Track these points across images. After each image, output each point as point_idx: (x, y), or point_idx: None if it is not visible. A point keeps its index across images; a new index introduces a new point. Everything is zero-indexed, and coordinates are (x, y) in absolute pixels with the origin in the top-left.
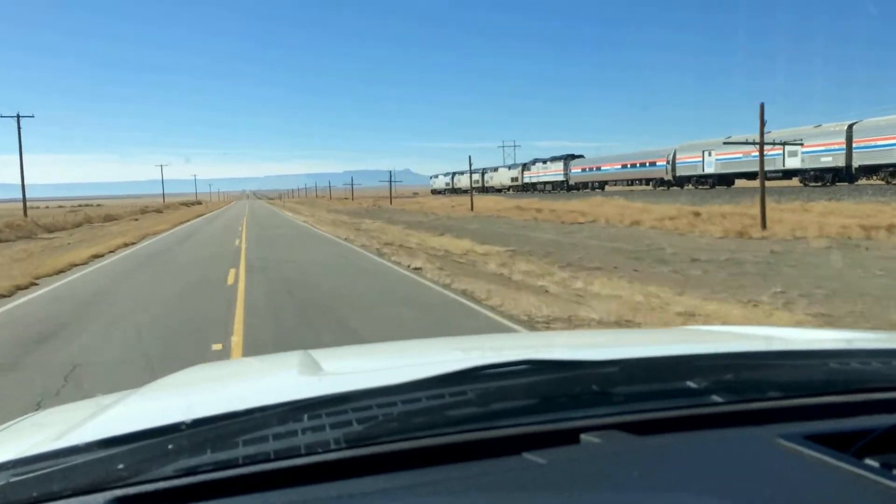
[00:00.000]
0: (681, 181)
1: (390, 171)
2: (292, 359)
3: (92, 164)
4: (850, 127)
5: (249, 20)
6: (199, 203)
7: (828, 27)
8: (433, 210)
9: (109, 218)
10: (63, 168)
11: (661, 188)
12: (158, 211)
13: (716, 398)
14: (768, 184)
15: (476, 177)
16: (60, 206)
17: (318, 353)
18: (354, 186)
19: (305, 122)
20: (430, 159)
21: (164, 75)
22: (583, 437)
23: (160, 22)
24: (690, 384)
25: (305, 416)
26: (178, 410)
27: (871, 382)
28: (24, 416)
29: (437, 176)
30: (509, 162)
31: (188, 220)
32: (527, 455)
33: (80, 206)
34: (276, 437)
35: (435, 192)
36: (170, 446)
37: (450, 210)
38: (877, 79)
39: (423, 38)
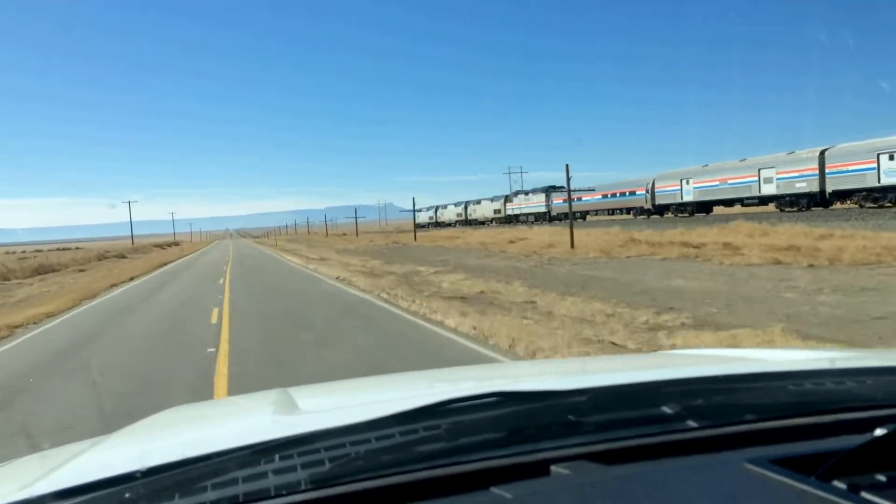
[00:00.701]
0: (660, 209)
1: (412, 200)
2: (269, 397)
3: (77, 206)
4: (823, 153)
5: (225, 58)
6: (177, 244)
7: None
8: (491, 246)
9: (43, 270)
10: (47, 212)
11: (642, 217)
12: (122, 256)
13: (689, 423)
14: (746, 210)
15: (459, 209)
16: (38, 250)
17: (295, 391)
18: (336, 222)
19: (286, 160)
20: (413, 193)
21: (145, 118)
22: (553, 468)
23: (139, 63)
24: (661, 410)
25: (277, 457)
26: (149, 455)
27: (844, 402)
28: None
29: (419, 210)
30: (493, 194)
31: (149, 272)
32: (495, 489)
33: (59, 248)
34: (246, 479)
35: (419, 226)
36: (126, 495)
37: (522, 245)
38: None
39: (403, 74)
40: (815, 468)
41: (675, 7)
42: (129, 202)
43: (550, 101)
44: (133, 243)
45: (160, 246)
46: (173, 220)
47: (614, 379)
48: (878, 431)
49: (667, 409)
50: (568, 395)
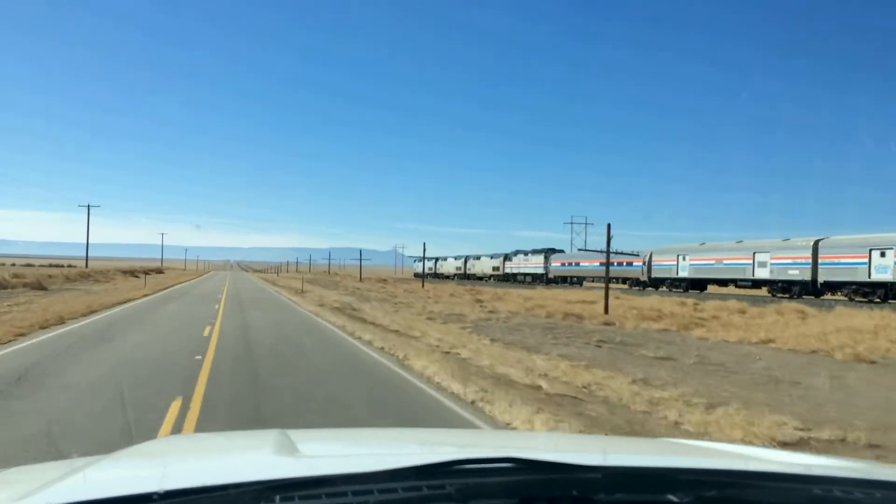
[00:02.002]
0: (656, 283)
1: (423, 247)
2: (269, 437)
3: (81, 224)
4: (817, 243)
5: (230, 95)
6: (161, 272)
7: (817, 150)
8: (555, 313)
9: None
10: (50, 226)
11: (637, 288)
12: (41, 287)
13: None
14: (738, 291)
15: (459, 263)
16: (28, 265)
17: (294, 434)
18: (337, 263)
19: (292, 196)
20: (416, 241)
21: (149, 145)
22: None
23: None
24: (672, 498)
25: (278, 497)
26: (150, 479)
27: None
28: None
29: (420, 259)
30: (493, 251)
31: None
32: None
33: (50, 265)
34: None
35: (417, 276)
36: None
37: (585, 309)
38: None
39: (416, 126)
40: None
41: (683, 84)
42: (87, 208)
43: (554, 165)
44: (87, 265)
45: (134, 273)
46: (162, 244)
47: (628, 460)
48: None
49: (678, 498)
50: (582, 471)
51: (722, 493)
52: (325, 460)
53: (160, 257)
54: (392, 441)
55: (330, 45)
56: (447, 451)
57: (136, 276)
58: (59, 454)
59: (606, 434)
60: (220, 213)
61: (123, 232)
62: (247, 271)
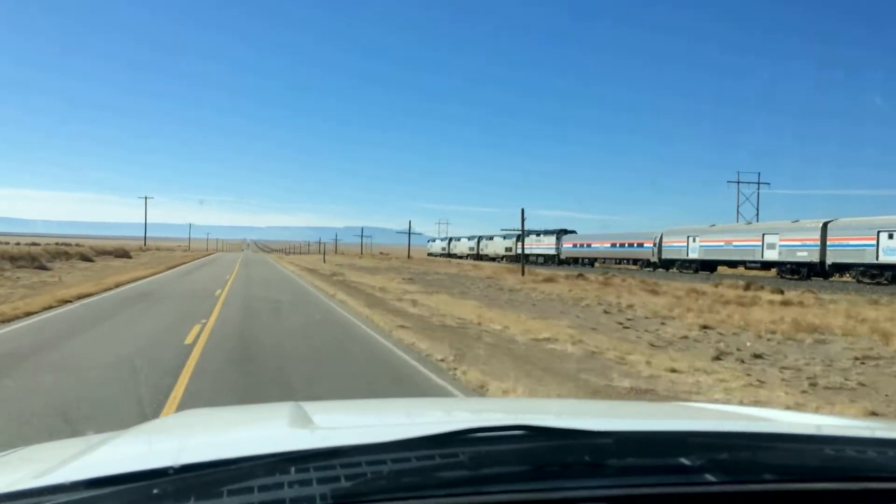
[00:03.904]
0: (666, 264)
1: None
2: (283, 410)
3: (99, 203)
4: (825, 225)
5: (252, 74)
6: (127, 255)
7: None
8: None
9: None
10: (69, 206)
11: (648, 269)
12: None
13: (709, 477)
14: (747, 273)
15: (472, 243)
16: (34, 243)
17: (309, 406)
18: (346, 243)
19: (310, 175)
20: (432, 220)
21: (172, 126)
22: None
23: (160, 69)
24: (684, 461)
25: (293, 469)
26: (166, 454)
27: (866, 471)
28: (12, 450)
29: (434, 240)
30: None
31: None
32: None
33: (57, 243)
34: (262, 488)
35: (431, 255)
36: (154, 491)
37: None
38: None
39: (433, 106)
40: None
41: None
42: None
43: (569, 144)
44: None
45: (120, 253)
46: (145, 217)
47: (640, 425)
48: None
49: (690, 461)
50: (593, 437)
51: (734, 456)
52: (339, 431)
53: (173, 236)
54: (404, 411)
55: (348, 28)
56: (459, 420)
57: (91, 260)
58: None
59: (617, 399)
60: (238, 193)
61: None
62: (266, 252)
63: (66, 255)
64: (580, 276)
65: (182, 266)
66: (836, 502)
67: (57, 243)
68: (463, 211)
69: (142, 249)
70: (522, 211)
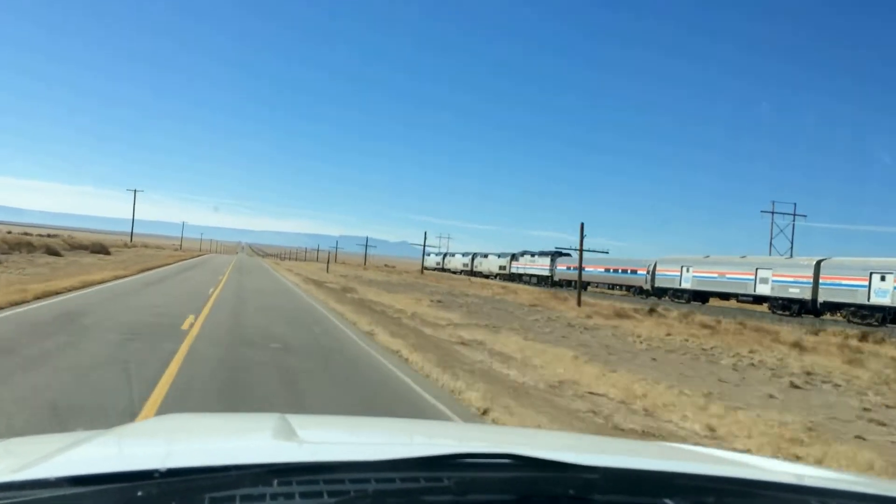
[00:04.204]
0: (659, 292)
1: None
2: (268, 421)
3: (97, 198)
4: (819, 263)
5: (245, 79)
6: (107, 251)
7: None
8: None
9: None
10: (67, 198)
11: (640, 297)
12: None
13: None
14: (738, 305)
15: (466, 260)
16: (25, 233)
17: (294, 419)
18: (343, 251)
19: (307, 182)
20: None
21: (169, 115)
22: None
23: (161, 66)
24: (669, 502)
25: (276, 481)
26: (152, 457)
27: None
28: None
29: (429, 254)
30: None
31: None
32: None
33: (48, 234)
34: (244, 498)
35: (426, 269)
36: (139, 493)
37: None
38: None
39: (432, 118)
40: None
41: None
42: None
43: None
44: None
45: (95, 248)
46: (134, 209)
47: (627, 462)
48: None
49: (675, 502)
50: (580, 470)
51: (720, 501)
52: (324, 447)
53: (175, 235)
54: (392, 431)
55: (351, 31)
56: (447, 444)
57: (59, 255)
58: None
59: (605, 434)
60: (234, 196)
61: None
62: (260, 256)
63: (29, 247)
64: (652, 310)
65: (161, 268)
66: None
67: (48, 234)
68: (460, 227)
69: (126, 246)
70: (582, 227)
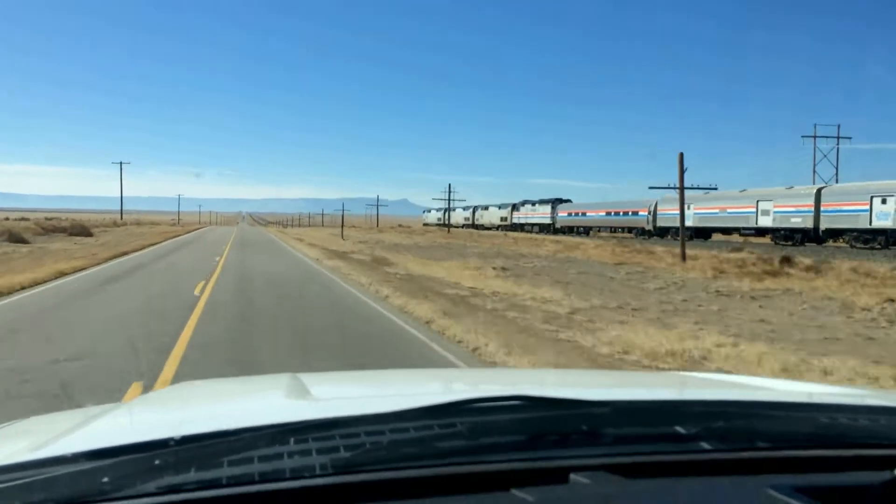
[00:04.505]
0: (661, 232)
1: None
2: (280, 381)
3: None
4: (819, 190)
5: (249, 36)
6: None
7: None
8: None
9: None
10: (63, 180)
11: (643, 237)
12: None
13: (705, 445)
14: (741, 239)
15: (467, 214)
16: (23, 218)
17: (306, 377)
18: (348, 214)
19: (304, 147)
20: (425, 190)
21: (162, 87)
22: (572, 476)
23: (160, 31)
24: (680, 429)
25: (292, 440)
26: (167, 425)
27: (858, 439)
28: (10, 422)
29: (429, 210)
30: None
31: None
32: (515, 492)
33: (45, 217)
34: (262, 458)
35: (427, 225)
36: (156, 462)
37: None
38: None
39: (426, 72)
40: (836, 500)
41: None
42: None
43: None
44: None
45: (54, 224)
46: (121, 182)
47: (636, 394)
48: None
49: (686, 429)
50: (590, 406)
51: (729, 424)
52: (337, 402)
53: (174, 210)
54: (402, 383)
55: (341, 4)
56: (457, 391)
57: (25, 241)
58: None
59: (616, 369)
60: (232, 165)
61: (138, 185)
62: (262, 224)
63: None
64: (786, 260)
65: (143, 251)
66: (829, 468)
67: (46, 218)
68: (458, 180)
69: (116, 224)
70: (681, 157)
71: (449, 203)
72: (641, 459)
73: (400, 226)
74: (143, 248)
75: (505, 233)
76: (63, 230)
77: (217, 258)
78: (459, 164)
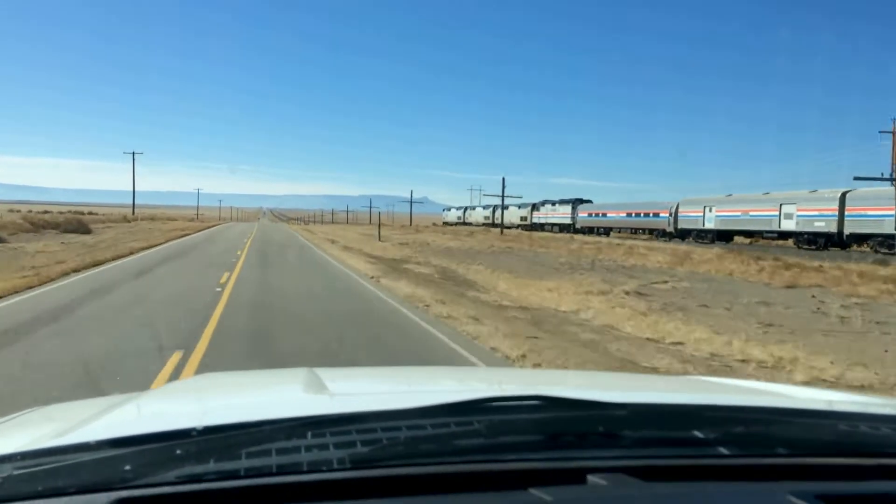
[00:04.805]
0: (682, 234)
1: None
2: (298, 375)
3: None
4: (844, 195)
5: (270, 35)
6: (86, 229)
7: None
8: None
9: None
10: (88, 174)
11: (664, 239)
12: None
13: (723, 450)
14: (763, 242)
15: (487, 213)
16: (30, 210)
17: (323, 373)
18: (373, 210)
19: (325, 143)
20: (446, 188)
21: (184, 82)
22: (589, 477)
23: (174, 24)
24: (698, 434)
25: (309, 434)
26: (188, 416)
27: (879, 447)
28: (34, 409)
29: (449, 209)
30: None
31: None
32: (533, 491)
33: (44, 211)
34: (280, 451)
35: (447, 223)
36: (177, 451)
37: None
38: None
39: (449, 68)
40: None
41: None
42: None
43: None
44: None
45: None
46: (133, 173)
47: (655, 397)
48: None
49: (705, 434)
50: (609, 408)
51: (748, 430)
52: (355, 398)
53: (185, 204)
54: (420, 380)
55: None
56: (476, 389)
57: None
58: None
59: (633, 371)
60: (253, 161)
61: (159, 179)
62: (283, 221)
63: None
64: None
65: (138, 255)
66: (849, 477)
67: (71, 211)
68: (480, 179)
69: (126, 219)
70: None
71: (503, 200)
72: (660, 462)
73: (434, 224)
74: (145, 248)
75: (530, 233)
76: (56, 226)
77: (225, 276)
78: (481, 164)
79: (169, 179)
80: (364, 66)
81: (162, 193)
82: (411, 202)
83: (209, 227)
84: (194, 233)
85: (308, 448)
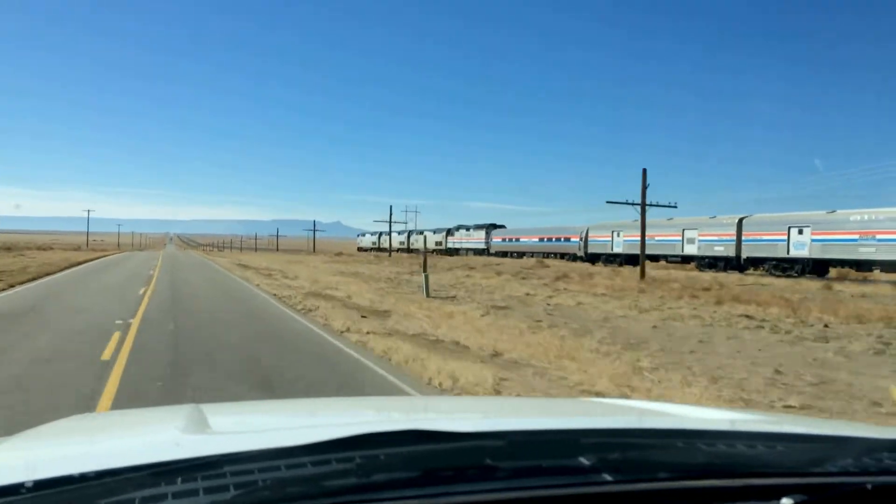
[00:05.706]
0: (592, 258)
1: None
2: (179, 413)
3: (13, 197)
4: (741, 220)
5: (176, 59)
6: None
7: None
8: None
9: None
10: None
11: (574, 263)
12: None
13: (606, 476)
14: (671, 266)
15: (402, 238)
16: None
17: (207, 408)
18: (282, 237)
19: (235, 168)
20: (359, 213)
21: (82, 110)
22: None
23: (80, 53)
24: (579, 461)
25: (179, 479)
26: (32, 467)
27: (753, 467)
28: None
29: (364, 234)
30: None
31: None
32: None
33: None
34: (144, 500)
35: (361, 249)
36: None
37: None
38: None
39: (361, 96)
40: None
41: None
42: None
43: (491, 147)
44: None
45: None
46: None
47: (533, 424)
48: (785, 501)
49: (584, 461)
50: (486, 438)
51: (624, 455)
52: (236, 437)
53: (94, 230)
54: (316, 411)
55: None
56: (368, 421)
57: None
58: None
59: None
60: (158, 185)
61: (52, 205)
62: (192, 247)
63: None
64: None
65: None
66: (728, 498)
67: None
68: (396, 203)
69: None
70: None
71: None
72: (538, 493)
73: (342, 253)
74: None
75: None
76: None
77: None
78: (395, 186)
79: (66, 205)
80: (278, 95)
81: (56, 219)
82: (314, 229)
83: (97, 258)
84: (59, 271)
85: (176, 494)
